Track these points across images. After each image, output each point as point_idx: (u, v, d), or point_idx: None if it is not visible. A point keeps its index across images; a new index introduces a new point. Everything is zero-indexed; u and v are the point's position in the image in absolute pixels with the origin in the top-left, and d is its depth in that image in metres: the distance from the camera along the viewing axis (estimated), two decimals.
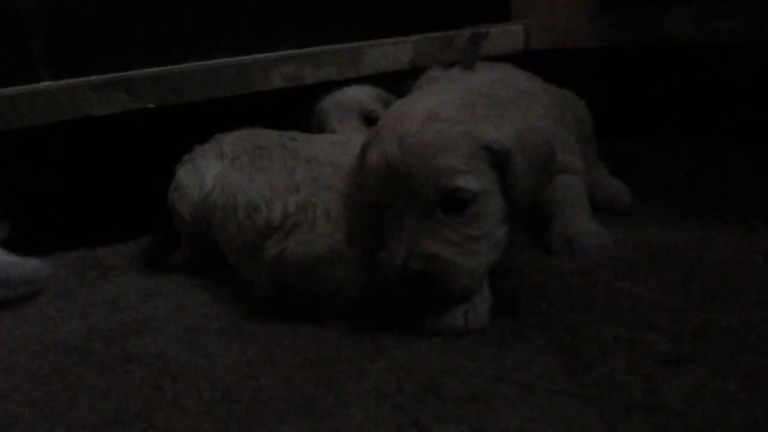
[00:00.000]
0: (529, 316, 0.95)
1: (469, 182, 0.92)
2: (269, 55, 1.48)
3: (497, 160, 0.95)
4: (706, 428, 0.67)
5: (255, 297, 1.10)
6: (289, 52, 1.49)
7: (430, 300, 0.94)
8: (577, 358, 0.82)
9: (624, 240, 1.14)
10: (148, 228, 1.39)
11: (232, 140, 1.26)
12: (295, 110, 1.59)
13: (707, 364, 0.77)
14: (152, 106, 1.34)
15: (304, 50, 1.50)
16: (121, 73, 1.37)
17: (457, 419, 0.74)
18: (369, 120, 1.49)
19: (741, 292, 0.92)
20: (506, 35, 1.74)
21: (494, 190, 0.95)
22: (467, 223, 0.93)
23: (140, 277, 1.28)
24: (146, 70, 1.38)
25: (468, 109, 0.97)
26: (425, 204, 0.92)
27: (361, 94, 1.51)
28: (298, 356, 0.92)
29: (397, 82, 1.53)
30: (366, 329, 0.97)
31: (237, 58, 1.46)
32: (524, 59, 1.69)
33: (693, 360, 0.78)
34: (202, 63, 1.42)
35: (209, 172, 1.25)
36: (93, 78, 1.35)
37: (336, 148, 1.13)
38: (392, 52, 1.55)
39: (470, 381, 0.81)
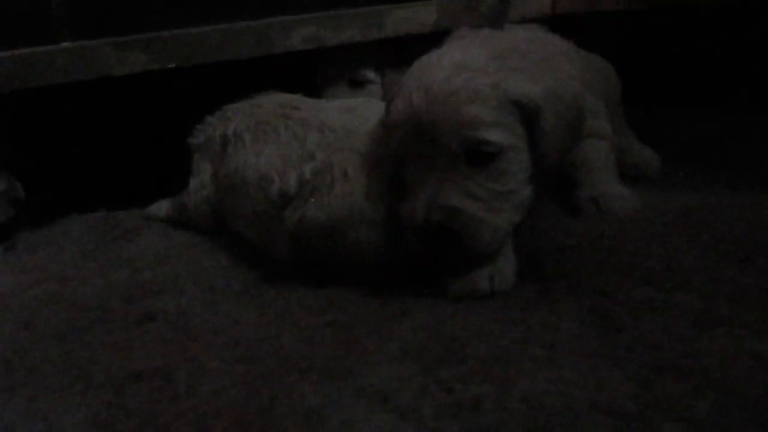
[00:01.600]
0: (556, 278, 0.92)
1: (495, 135, 0.89)
2: (290, 16, 1.45)
3: (526, 115, 0.91)
4: (741, 390, 0.65)
5: (275, 261, 1.09)
6: (311, 14, 1.46)
7: (450, 258, 0.91)
8: (607, 320, 0.80)
9: (653, 203, 1.12)
10: (168, 190, 1.37)
11: (236, 119, 1.25)
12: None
13: (742, 326, 0.75)
14: (172, 66, 1.32)
15: (326, 12, 1.47)
16: (141, 34, 1.34)
17: (481, 380, 0.72)
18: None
19: None
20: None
21: (521, 146, 0.92)
22: (492, 179, 0.90)
23: (159, 239, 1.27)
24: (167, 31, 1.36)
25: (498, 61, 0.93)
26: (450, 156, 0.89)
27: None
28: (319, 317, 0.91)
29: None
30: (388, 291, 0.95)
31: (258, 21, 1.44)
32: (551, 23, 1.64)
33: (728, 321, 0.76)
34: (223, 24, 1.39)
35: (207, 175, 1.28)
36: (113, 38, 1.33)
37: (345, 113, 1.11)
38: (415, 14, 1.52)
39: (495, 342, 0.79)
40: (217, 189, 1.25)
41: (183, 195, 1.31)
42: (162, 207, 1.38)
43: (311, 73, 1.59)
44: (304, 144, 1.06)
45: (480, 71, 0.91)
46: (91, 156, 1.57)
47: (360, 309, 0.92)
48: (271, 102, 1.24)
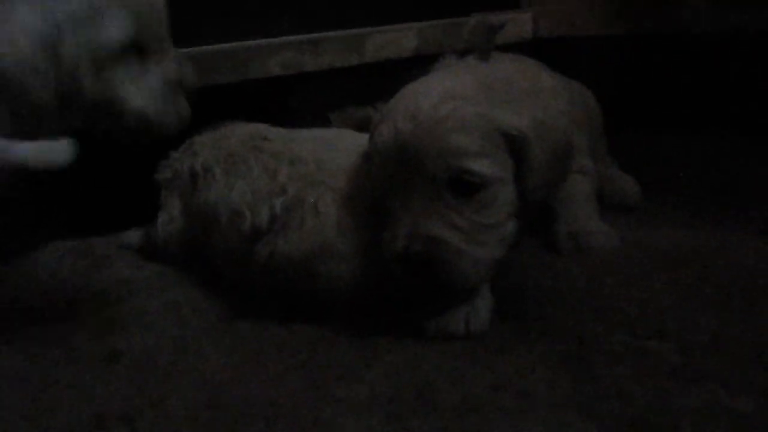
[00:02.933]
0: (532, 320, 0.91)
1: (480, 165, 0.87)
2: (267, 40, 1.43)
3: (514, 147, 0.89)
4: None
5: (247, 296, 1.06)
6: (288, 38, 1.44)
7: (430, 289, 0.89)
8: (581, 367, 0.79)
9: (633, 240, 1.10)
10: (142, 218, 1.35)
11: (204, 152, 1.22)
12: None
13: (720, 380, 0.73)
14: None
15: (304, 36, 1.45)
16: None
17: (452, 431, 0.70)
18: None
19: (757, 299, 0.88)
20: (515, 23, 1.69)
21: (508, 179, 0.90)
22: (476, 210, 0.88)
23: (130, 270, 1.23)
24: None
25: (487, 91, 0.91)
26: (433, 185, 0.87)
27: None
28: (289, 358, 0.89)
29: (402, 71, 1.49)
30: (361, 330, 0.93)
31: (233, 44, 1.41)
32: (532, 47, 1.64)
33: (705, 374, 0.74)
34: (197, 48, 1.37)
35: (175, 209, 1.25)
36: None
37: (320, 144, 1.08)
38: (396, 38, 1.51)
39: (467, 389, 0.77)
40: (187, 223, 1.22)
41: (151, 228, 1.29)
42: (135, 236, 1.35)
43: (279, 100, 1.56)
44: (276, 177, 1.04)
45: (468, 100, 0.89)
46: (69, 181, 1.54)
47: (331, 349, 0.90)
48: (238, 133, 1.21)
